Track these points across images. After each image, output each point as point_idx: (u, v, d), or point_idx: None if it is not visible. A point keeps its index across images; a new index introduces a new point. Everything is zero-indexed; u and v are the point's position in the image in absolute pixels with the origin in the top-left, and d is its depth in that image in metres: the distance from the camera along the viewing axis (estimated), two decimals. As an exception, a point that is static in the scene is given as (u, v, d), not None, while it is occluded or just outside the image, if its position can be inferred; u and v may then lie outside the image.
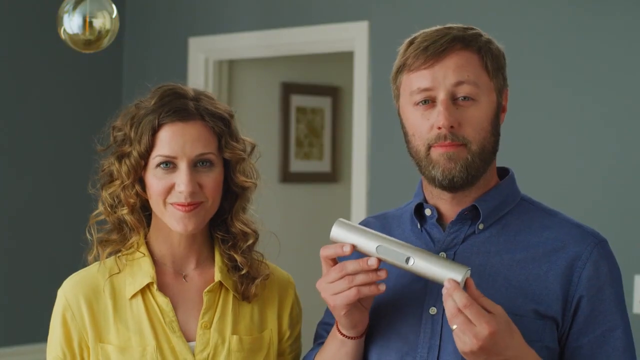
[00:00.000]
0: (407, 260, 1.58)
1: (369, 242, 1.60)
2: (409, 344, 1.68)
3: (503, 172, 1.78)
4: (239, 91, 4.49)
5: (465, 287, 1.55)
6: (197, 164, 1.82)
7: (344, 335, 1.70)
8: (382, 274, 1.59)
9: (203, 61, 4.33)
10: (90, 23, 2.44)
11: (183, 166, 1.81)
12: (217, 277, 1.88)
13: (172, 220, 1.83)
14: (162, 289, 1.87)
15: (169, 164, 1.81)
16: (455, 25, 1.72)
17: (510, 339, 1.52)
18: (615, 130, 3.18)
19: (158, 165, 1.82)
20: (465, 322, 1.50)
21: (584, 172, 3.23)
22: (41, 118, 4.32)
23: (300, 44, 4.07)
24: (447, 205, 1.72)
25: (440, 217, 1.73)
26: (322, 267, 1.65)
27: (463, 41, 1.67)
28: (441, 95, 1.65)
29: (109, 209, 1.88)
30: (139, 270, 1.86)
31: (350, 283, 1.59)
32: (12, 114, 4.23)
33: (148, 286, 1.86)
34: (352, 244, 1.61)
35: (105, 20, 2.46)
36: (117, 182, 1.85)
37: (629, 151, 3.15)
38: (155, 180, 1.82)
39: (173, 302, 1.86)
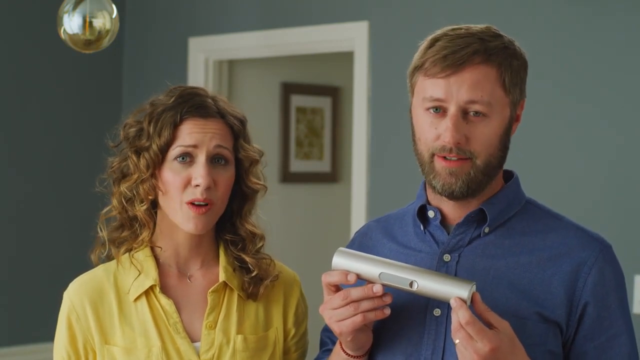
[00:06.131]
0: (411, 284, 1.57)
1: (371, 269, 1.59)
2: (412, 345, 1.67)
3: (506, 175, 1.76)
4: (239, 91, 4.49)
5: (472, 301, 1.54)
6: (214, 160, 1.84)
7: (349, 355, 1.70)
8: (387, 299, 1.59)
9: (203, 61, 4.33)
10: (90, 23, 2.44)
11: (201, 159, 1.82)
12: (222, 277, 1.88)
13: (184, 219, 1.83)
14: (165, 290, 1.87)
15: (187, 157, 1.83)
16: (478, 28, 1.67)
17: (512, 355, 1.52)
18: (615, 130, 3.18)
19: (176, 158, 1.83)
20: (466, 337, 1.50)
21: (584, 172, 3.23)
22: (41, 118, 4.32)
23: (300, 44, 4.07)
24: (451, 208, 1.70)
25: (443, 219, 1.71)
26: (324, 292, 1.63)
27: (484, 54, 1.63)
28: (452, 109, 1.62)
29: (124, 204, 1.88)
30: (143, 272, 1.86)
31: (356, 310, 1.58)
32: (12, 114, 4.23)
33: (151, 288, 1.86)
34: (356, 272, 1.60)
35: (105, 20, 2.46)
36: (135, 176, 1.85)
37: (629, 151, 3.15)
38: (172, 174, 1.83)
39: (177, 303, 1.87)
